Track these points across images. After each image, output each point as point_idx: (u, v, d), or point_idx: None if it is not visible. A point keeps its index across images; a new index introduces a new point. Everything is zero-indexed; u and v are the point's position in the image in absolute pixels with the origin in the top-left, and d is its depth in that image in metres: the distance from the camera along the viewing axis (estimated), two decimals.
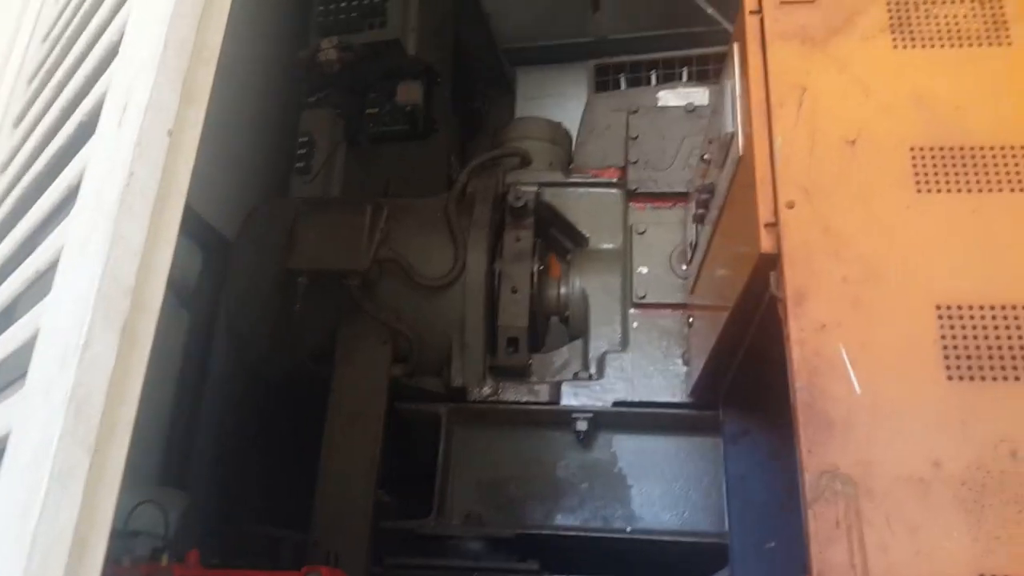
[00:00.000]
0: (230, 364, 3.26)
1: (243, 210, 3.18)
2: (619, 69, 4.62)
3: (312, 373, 2.74)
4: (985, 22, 1.75)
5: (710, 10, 4.13)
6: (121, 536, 2.09)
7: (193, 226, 3.13)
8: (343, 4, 3.59)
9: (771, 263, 1.61)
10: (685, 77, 4.37)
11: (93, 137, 0.97)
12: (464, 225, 2.76)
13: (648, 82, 4.48)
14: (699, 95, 2.93)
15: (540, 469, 2.62)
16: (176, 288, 3.11)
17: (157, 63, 0.93)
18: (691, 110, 2.85)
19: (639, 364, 2.61)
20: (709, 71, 4.33)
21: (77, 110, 1.13)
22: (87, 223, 0.85)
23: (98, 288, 0.80)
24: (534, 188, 2.87)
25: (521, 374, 2.69)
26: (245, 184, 3.52)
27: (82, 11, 1.39)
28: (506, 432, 2.67)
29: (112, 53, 1.08)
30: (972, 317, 1.49)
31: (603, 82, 4.64)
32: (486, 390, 2.65)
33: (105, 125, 0.94)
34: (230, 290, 2.91)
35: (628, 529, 2.47)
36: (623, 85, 4.57)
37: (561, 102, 5.11)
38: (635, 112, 2.88)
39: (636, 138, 2.85)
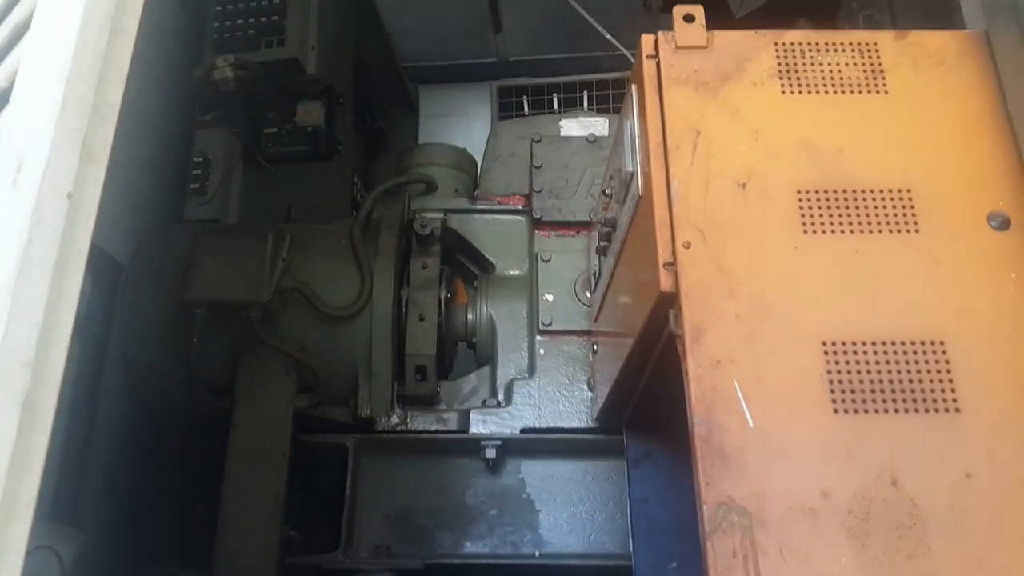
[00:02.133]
0: (124, 395, 3.13)
1: (134, 230, 3.06)
2: (521, 91, 4.71)
3: (212, 407, 2.66)
4: (864, 71, 1.87)
5: (609, 36, 4.27)
6: None
7: None
8: (239, 21, 3.51)
9: (670, 301, 1.67)
10: (586, 101, 4.50)
11: None
12: (370, 252, 2.74)
13: (550, 105, 4.59)
14: (600, 125, 3.01)
15: (449, 497, 2.62)
16: None
17: (55, 122, 0.90)
18: (592, 140, 2.92)
19: (546, 390, 2.65)
20: (609, 95, 4.47)
21: None
22: None
23: None
24: (440, 215, 2.88)
25: (429, 402, 2.69)
26: (137, 205, 3.38)
27: None
28: (415, 461, 2.66)
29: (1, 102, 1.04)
30: (856, 352, 1.59)
31: (506, 103, 4.72)
32: (394, 419, 2.63)
33: None
34: (123, 321, 2.79)
35: (537, 554, 2.51)
36: (526, 107, 4.66)
37: (464, 121, 5.15)
38: (538, 141, 2.93)
39: (540, 167, 2.90)
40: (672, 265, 1.68)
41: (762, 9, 4.53)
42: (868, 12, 3.62)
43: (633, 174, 1.90)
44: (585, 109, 4.38)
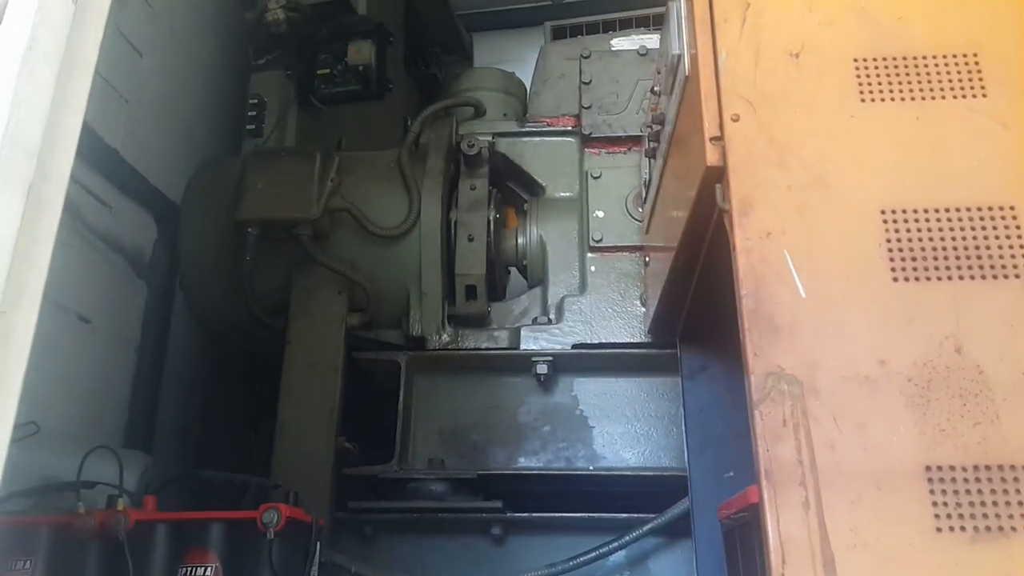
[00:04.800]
0: (191, 334, 3.21)
1: None
2: (576, 31, 4.61)
3: (268, 326, 2.70)
4: None
5: None
6: (76, 487, 2.05)
7: (145, 194, 3.07)
8: None
9: (717, 175, 1.60)
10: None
11: None
12: (418, 175, 2.73)
13: None
14: (652, 40, 2.91)
15: (502, 415, 2.61)
16: (131, 259, 3.06)
17: None
18: (643, 53, 2.84)
19: (597, 307, 2.61)
20: None
21: None
22: None
23: None
24: (488, 138, 2.84)
25: (480, 322, 2.68)
26: (197, 150, 3.45)
27: None
28: (466, 379, 2.65)
29: None
30: (917, 220, 1.51)
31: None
32: (445, 338, 2.63)
33: None
34: (180, 246, 2.86)
35: (591, 468, 2.47)
36: None
37: (519, 67, 5.06)
38: (587, 57, 2.85)
39: (589, 83, 2.83)
40: (719, 139, 1.61)
41: None
42: None
43: (680, 56, 1.82)
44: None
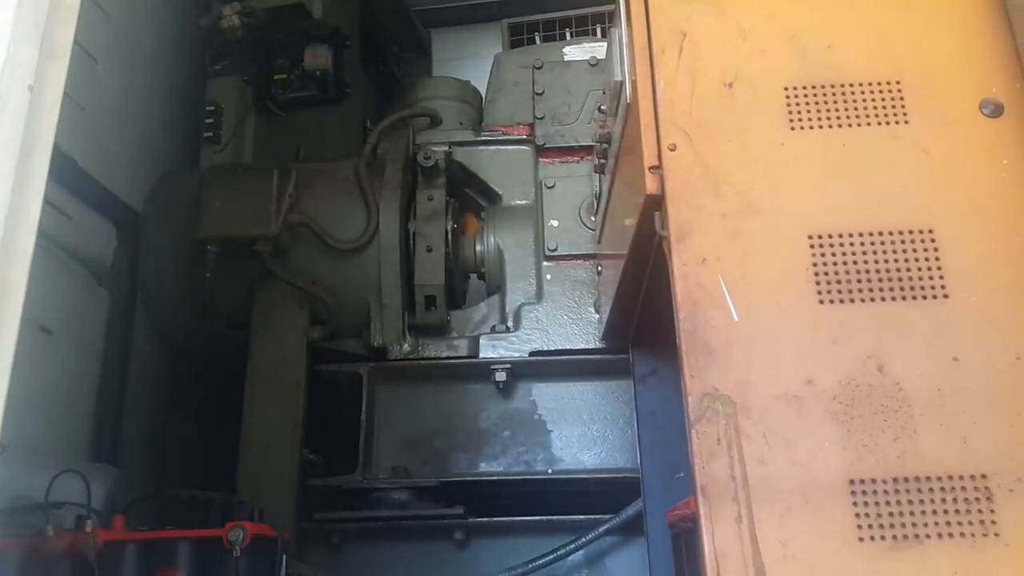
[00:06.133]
0: (154, 341, 3.23)
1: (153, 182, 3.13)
2: (533, 27, 4.65)
3: (231, 341, 2.74)
4: None
5: None
6: (44, 508, 2.08)
7: (105, 203, 3.07)
8: None
9: (657, 203, 1.68)
10: (599, 34, 4.43)
11: None
12: (376, 186, 2.77)
13: (563, 39, 4.52)
14: (603, 50, 2.97)
15: (463, 421, 2.69)
16: (92, 267, 3.06)
17: (12, 17, 0.93)
18: (594, 64, 2.90)
19: (553, 314, 2.69)
20: None
21: None
22: None
23: None
24: (444, 147, 2.89)
25: (440, 331, 2.74)
26: (155, 157, 3.45)
27: None
28: (428, 388, 2.72)
29: None
30: (842, 244, 1.60)
31: (518, 40, 4.66)
32: (406, 347, 2.69)
33: None
34: (142, 263, 2.88)
35: (550, 471, 2.56)
36: (538, 43, 4.60)
37: (479, 62, 5.08)
38: (540, 68, 2.91)
39: (542, 94, 2.90)
40: (658, 168, 1.69)
41: None
42: None
43: (622, 83, 1.89)
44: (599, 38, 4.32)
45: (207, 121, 3.57)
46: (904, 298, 1.55)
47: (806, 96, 1.72)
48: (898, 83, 1.71)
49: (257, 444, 2.52)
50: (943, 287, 1.55)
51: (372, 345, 2.70)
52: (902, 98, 1.70)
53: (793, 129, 1.69)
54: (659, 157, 1.69)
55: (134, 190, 3.13)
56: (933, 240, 1.58)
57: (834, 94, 1.71)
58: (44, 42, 0.95)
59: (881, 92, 1.71)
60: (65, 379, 2.92)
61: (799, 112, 1.71)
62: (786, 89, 1.72)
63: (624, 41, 1.87)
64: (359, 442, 2.56)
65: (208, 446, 3.10)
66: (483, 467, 2.62)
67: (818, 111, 1.70)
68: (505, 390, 2.67)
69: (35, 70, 0.94)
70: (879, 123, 1.69)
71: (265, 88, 3.63)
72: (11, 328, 0.86)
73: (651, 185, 1.68)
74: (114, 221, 3.17)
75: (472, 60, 5.17)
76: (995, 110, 1.68)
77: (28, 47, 0.93)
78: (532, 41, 4.62)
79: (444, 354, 2.69)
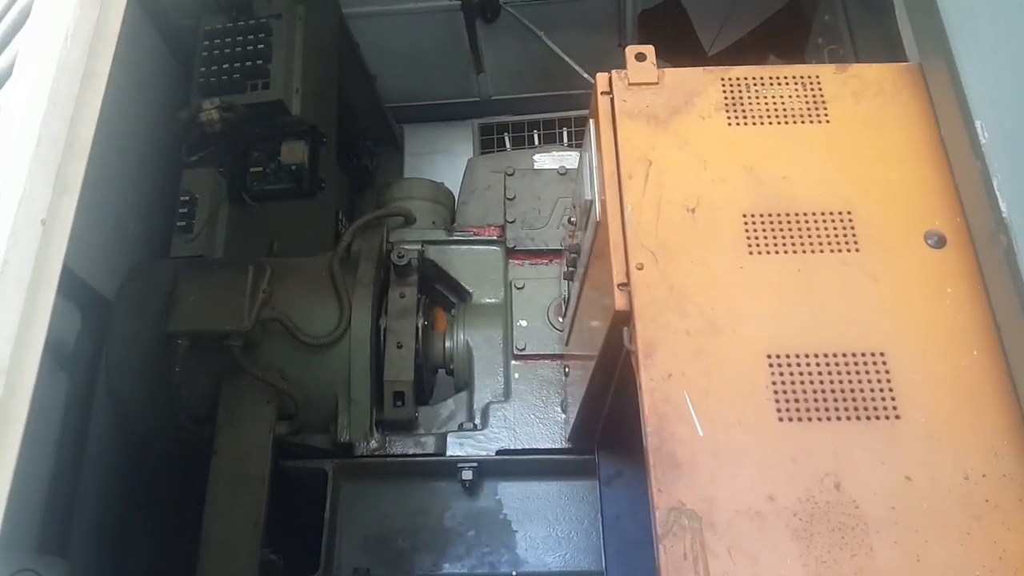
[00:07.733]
0: (112, 428, 3.19)
1: (122, 269, 3.15)
2: (502, 128, 4.85)
3: (195, 436, 2.73)
4: (806, 102, 1.98)
5: (585, 75, 4.42)
6: None
7: (70, 286, 3.08)
8: (225, 65, 3.63)
9: (625, 319, 1.76)
10: (565, 137, 4.63)
11: None
12: (349, 283, 2.83)
13: (530, 141, 4.73)
14: (571, 159, 3.12)
15: (428, 520, 2.68)
16: (53, 350, 3.04)
17: (30, 158, 0.99)
18: (563, 173, 3.04)
19: (520, 413, 2.73)
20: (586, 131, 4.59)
21: None
22: None
23: None
24: (418, 246, 2.98)
25: (408, 427, 2.76)
26: (124, 243, 3.48)
27: None
28: (393, 485, 2.72)
29: None
30: (799, 365, 1.68)
31: (488, 140, 4.86)
32: (373, 444, 2.70)
33: None
34: (109, 353, 2.87)
35: (514, 573, 2.56)
36: (507, 143, 4.79)
37: (449, 157, 5.28)
38: (511, 174, 3.04)
39: (513, 199, 3.01)
40: (626, 285, 1.77)
41: (734, 47, 4.70)
42: (833, 47, 3.77)
43: (592, 202, 2.00)
44: (565, 144, 4.52)
45: (181, 211, 3.62)
46: (859, 418, 1.63)
47: (763, 223, 1.83)
48: (849, 213, 1.83)
49: (217, 543, 2.48)
50: (895, 408, 1.63)
51: (338, 440, 2.71)
52: (853, 228, 1.82)
53: (751, 253, 1.80)
54: (627, 275, 1.78)
55: (101, 274, 3.15)
56: (884, 363, 1.68)
57: (789, 222, 1.83)
58: (58, 178, 1.00)
59: (833, 221, 1.83)
60: (20, 464, 2.86)
61: (757, 238, 1.81)
62: (744, 216, 1.84)
63: (594, 165, 1.98)
64: (321, 541, 2.54)
65: (165, 539, 3.03)
66: (447, 568, 2.61)
67: (774, 237, 1.82)
68: (471, 488, 2.69)
69: (48, 205, 0.99)
70: (832, 250, 1.80)
71: (240, 179, 3.71)
72: None
73: (620, 301, 1.76)
74: (78, 304, 3.17)
75: (443, 155, 5.36)
76: (938, 241, 1.81)
77: (43, 184, 0.99)
78: (501, 141, 4.81)
79: (411, 451, 2.71)
